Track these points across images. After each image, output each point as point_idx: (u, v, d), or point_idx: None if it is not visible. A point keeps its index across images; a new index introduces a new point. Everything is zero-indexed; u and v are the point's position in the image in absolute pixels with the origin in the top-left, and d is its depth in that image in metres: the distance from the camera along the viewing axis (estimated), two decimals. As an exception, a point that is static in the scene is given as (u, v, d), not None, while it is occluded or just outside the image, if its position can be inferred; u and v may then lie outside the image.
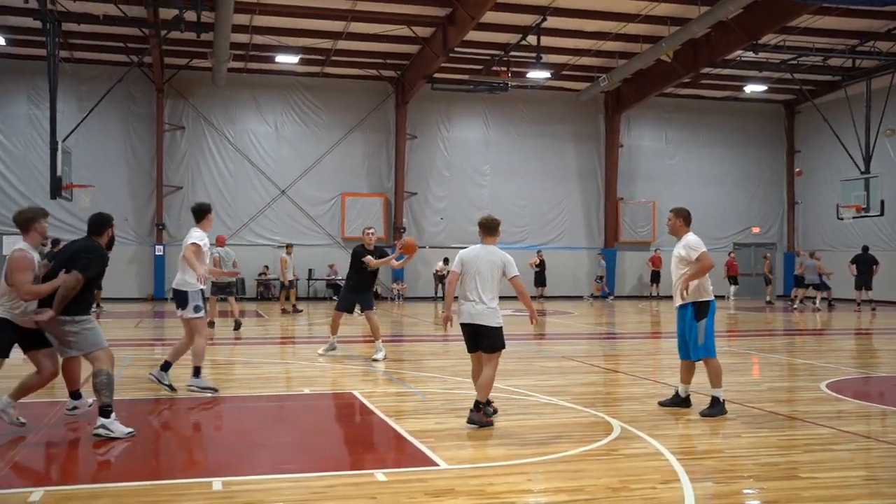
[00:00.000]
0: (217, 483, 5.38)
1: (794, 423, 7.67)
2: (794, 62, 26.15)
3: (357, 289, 12.34)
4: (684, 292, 7.83)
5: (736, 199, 33.17)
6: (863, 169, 25.96)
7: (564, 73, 28.75)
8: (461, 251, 7.68)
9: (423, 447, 6.47)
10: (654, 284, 31.26)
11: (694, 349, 7.91)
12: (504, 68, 26.37)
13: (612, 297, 30.56)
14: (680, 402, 8.18)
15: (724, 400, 7.83)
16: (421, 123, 30.15)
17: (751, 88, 30.36)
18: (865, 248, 25.34)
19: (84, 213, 25.30)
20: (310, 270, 28.72)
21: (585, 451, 6.39)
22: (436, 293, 29.22)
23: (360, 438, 7.15)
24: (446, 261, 29.09)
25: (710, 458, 6.18)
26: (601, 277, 30.68)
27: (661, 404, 8.24)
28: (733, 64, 26.78)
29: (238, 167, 28.72)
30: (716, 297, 8.14)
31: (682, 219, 8.14)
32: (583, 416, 7.90)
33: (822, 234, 31.94)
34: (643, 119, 32.32)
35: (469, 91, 28.19)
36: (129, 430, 6.77)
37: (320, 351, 12.65)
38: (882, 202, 24.76)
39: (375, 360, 11.85)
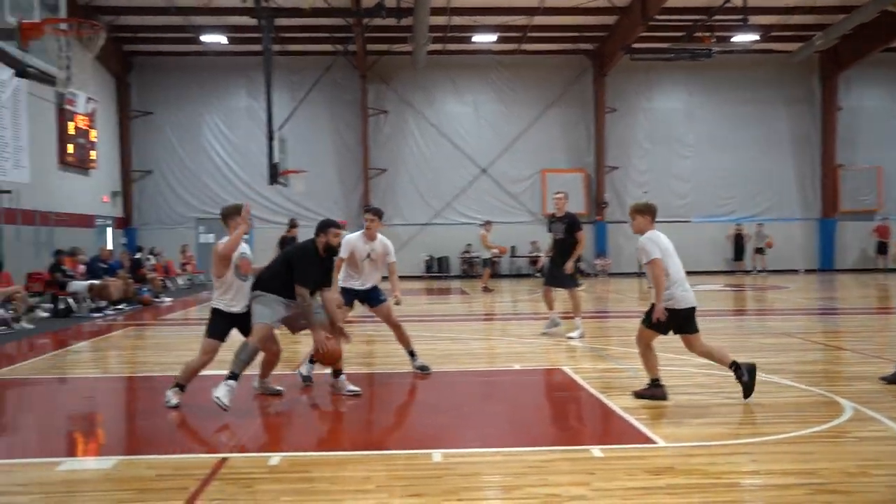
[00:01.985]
0: (437, 455, 5.56)
1: None
2: None
3: (558, 262, 11.91)
4: None
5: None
6: None
7: (773, 34, 27.01)
8: (651, 238, 7.38)
9: (638, 424, 6.37)
10: (882, 256, 28.94)
11: None
12: (707, 33, 25.18)
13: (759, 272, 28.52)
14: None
15: None
16: (620, 95, 29.47)
17: None
18: None
19: (299, 197, 26.96)
20: (512, 248, 28.95)
21: (814, 433, 6.03)
22: (639, 269, 28.57)
23: (573, 414, 7.14)
24: (650, 235, 28.37)
25: (960, 444, 5.65)
26: (761, 249, 28.84)
27: (885, 379, 7.61)
28: (972, 10, 24.03)
29: (439, 148, 29.36)
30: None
31: None
32: (807, 395, 7.46)
33: None
34: (865, 78, 29.79)
35: (670, 60, 27.12)
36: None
37: (543, 329, 12.29)
38: None
39: (570, 338, 11.62)
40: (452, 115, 29.51)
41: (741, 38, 25.65)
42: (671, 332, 7.23)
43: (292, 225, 17.88)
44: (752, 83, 29.48)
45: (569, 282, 11.83)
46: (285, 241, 16.38)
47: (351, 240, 8.77)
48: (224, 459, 5.51)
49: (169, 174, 28.70)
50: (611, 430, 6.58)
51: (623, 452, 5.62)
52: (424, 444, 5.90)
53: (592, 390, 7.80)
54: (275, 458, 5.55)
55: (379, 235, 8.91)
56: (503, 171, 29.30)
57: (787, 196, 30.00)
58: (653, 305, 7.17)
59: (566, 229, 11.60)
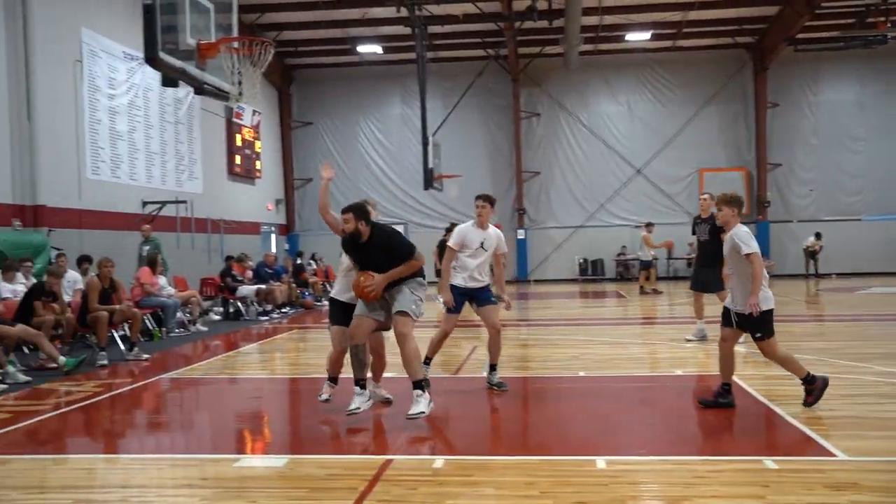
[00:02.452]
0: (601, 461, 5.46)
1: None
2: None
3: (704, 266, 11.29)
4: None
5: None
6: None
7: (958, 15, 25.01)
8: (747, 231, 7.07)
9: (814, 435, 6.03)
10: None
11: None
12: (882, 18, 23.60)
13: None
14: None
15: None
16: (782, 89, 28.11)
17: None
18: None
19: (453, 201, 27.31)
20: (669, 250, 28.17)
21: None
22: (806, 270, 27.16)
23: (742, 423, 6.83)
24: (818, 235, 26.91)
25: None
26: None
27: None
28: None
29: (592, 149, 29.00)
30: None
31: None
32: None
33: None
34: None
35: (839, 49, 25.63)
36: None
37: (689, 336, 11.83)
38: None
39: (688, 340, 11.26)
40: (606, 115, 29.07)
41: (920, 21, 23.85)
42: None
43: (450, 229, 18.17)
44: (934, 69, 27.42)
45: (716, 285, 11.10)
46: (444, 245, 16.71)
47: (462, 229, 8.35)
48: (389, 461, 5.63)
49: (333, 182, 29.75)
50: (783, 440, 6.25)
51: (799, 465, 5.32)
52: (587, 451, 5.81)
53: (760, 398, 7.46)
54: (438, 461, 5.61)
55: (491, 226, 8.43)
56: (659, 171, 28.59)
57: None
58: (760, 317, 6.70)
59: (711, 231, 11.11)
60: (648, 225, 22.74)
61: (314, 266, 24.12)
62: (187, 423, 7.62)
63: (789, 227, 28.18)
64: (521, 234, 28.77)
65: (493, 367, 8.32)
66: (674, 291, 22.79)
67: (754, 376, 8.72)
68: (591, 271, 29.08)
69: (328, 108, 29.81)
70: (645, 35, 26.02)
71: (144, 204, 18.35)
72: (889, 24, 23.73)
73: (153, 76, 18.49)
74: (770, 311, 6.90)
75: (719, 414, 7.20)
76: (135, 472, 5.61)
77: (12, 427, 6.88)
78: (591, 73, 28.81)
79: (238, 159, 24.24)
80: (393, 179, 29.52)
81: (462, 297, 8.21)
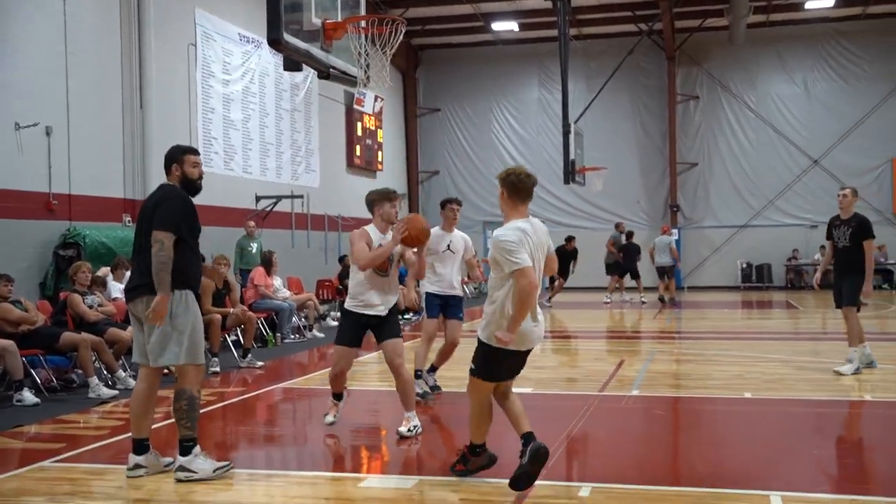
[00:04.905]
0: (776, 497, 5.27)
1: None
2: None
3: (843, 276, 10.38)
4: None
5: None
6: None
7: None
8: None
9: None
10: None
11: None
12: None
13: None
14: None
15: None
16: None
17: None
18: None
19: (595, 196, 27.08)
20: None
21: None
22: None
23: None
24: None
25: None
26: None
27: None
28: None
29: (760, 137, 28.09)
30: None
31: None
32: None
33: None
34: None
35: None
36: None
37: (839, 369, 10.29)
38: None
39: (837, 373, 10.12)
40: (777, 97, 28.11)
41: None
42: None
43: (569, 239, 21.37)
44: None
45: (849, 299, 10.24)
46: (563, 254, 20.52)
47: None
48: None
49: (456, 174, 30.11)
50: None
51: None
52: (759, 484, 5.62)
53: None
54: (585, 489, 5.56)
55: (456, 230, 9.31)
56: (841, 161, 27.35)
57: None
58: None
59: (852, 235, 10.19)
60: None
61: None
62: (302, 436, 7.85)
63: None
64: (674, 235, 28.20)
65: (433, 369, 9.37)
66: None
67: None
68: (755, 278, 28.16)
69: (457, 93, 30.10)
70: (828, 1, 24.99)
71: (258, 199, 19.04)
72: None
73: (269, 60, 19.22)
74: None
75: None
76: (243, 489, 5.81)
77: (122, 436, 7.25)
78: (760, 48, 27.89)
79: (358, 150, 24.81)
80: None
81: (438, 304, 9.16)
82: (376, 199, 7.48)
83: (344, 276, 18.13)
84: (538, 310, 5.48)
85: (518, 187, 5.55)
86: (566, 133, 21.62)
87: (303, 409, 9.20)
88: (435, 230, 8.87)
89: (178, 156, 6.20)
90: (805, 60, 27.94)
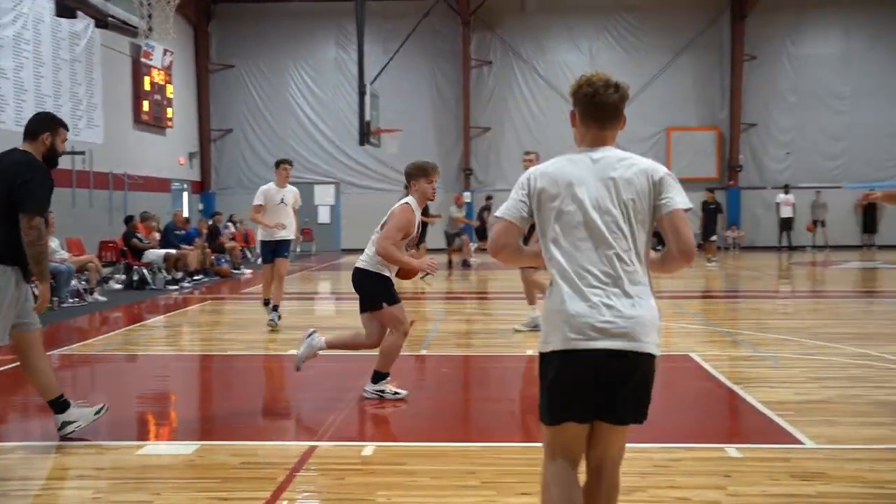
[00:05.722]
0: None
1: None
2: None
3: None
4: None
5: None
6: None
7: (951, -37, 25.64)
8: None
9: (781, 421, 6.19)
10: None
11: None
12: (869, -35, 24.08)
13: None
14: None
15: None
16: (761, 41, 28.48)
17: None
18: None
19: (391, 158, 27.21)
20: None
21: None
22: (780, 242, 27.77)
23: (704, 408, 6.99)
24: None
25: None
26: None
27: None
28: None
29: (550, 103, 29.03)
30: None
31: None
32: None
33: None
34: None
35: (824, -4, 26.12)
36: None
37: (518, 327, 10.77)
38: None
39: (517, 331, 10.56)
40: (566, 65, 29.12)
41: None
42: None
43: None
44: (925, 22, 28.00)
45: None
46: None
47: (265, 188, 11.37)
48: (313, 448, 5.63)
49: (250, 133, 29.41)
50: (748, 426, 6.42)
51: (764, 453, 5.47)
52: (536, 436, 5.88)
53: (725, 381, 7.64)
54: (368, 448, 5.63)
55: (288, 185, 11.44)
56: (623, 129, 28.70)
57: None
58: None
59: None
60: None
61: (232, 229, 23.87)
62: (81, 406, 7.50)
63: (763, 195, 28.71)
64: (467, 197, 28.83)
65: (275, 308, 11.13)
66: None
67: (719, 357, 8.91)
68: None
69: (252, 50, 29.32)
70: (611, -25, 26.12)
71: (35, 154, 17.83)
72: (878, -28, 24.20)
73: (44, 5, 17.97)
74: None
75: (682, 398, 7.35)
76: (16, 463, 5.51)
77: None
78: (550, 16, 28.82)
79: (146, 106, 23.72)
80: (325, 133, 29.27)
81: (270, 250, 11.25)
82: (413, 174, 7.00)
83: (130, 236, 17.39)
84: (596, 286, 3.28)
85: (591, 104, 3.45)
86: (361, 94, 21.56)
87: (83, 377, 8.78)
88: (270, 186, 11.34)
89: (53, 126, 5.83)
90: (591, 31, 29.11)
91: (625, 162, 3.39)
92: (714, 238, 23.26)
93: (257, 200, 11.20)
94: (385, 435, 6.33)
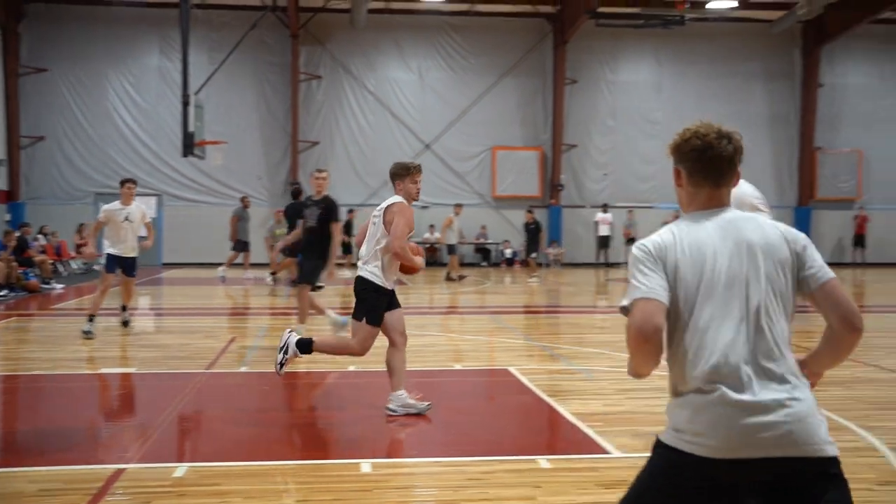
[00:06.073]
0: (366, 465, 5.54)
1: None
2: None
3: (310, 255, 10.69)
4: None
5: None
6: None
7: (753, 0, 27.49)
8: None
9: (590, 432, 6.44)
10: (859, 249, 29.79)
11: None
12: (681, -1, 25.53)
13: None
14: None
15: None
16: (582, 65, 29.69)
17: None
18: None
19: (216, 171, 26.60)
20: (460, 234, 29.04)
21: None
22: (597, 259, 28.89)
23: (519, 420, 7.18)
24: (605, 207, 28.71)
25: (937, 457, 5.83)
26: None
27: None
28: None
29: (379, 119, 29.22)
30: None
31: None
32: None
33: None
34: (850, 52, 30.48)
35: (639, 27, 27.48)
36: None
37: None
38: None
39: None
40: (395, 82, 29.40)
41: (717, 4, 26.06)
42: None
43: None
44: (728, 55, 29.95)
45: (309, 277, 10.68)
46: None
47: (107, 206, 11.79)
48: (120, 471, 5.41)
49: (65, 141, 28.04)
50: (560, 438, 6.66)
51: (573, 463, 5.67)
52: (353, 453, 5.88)
53: (541, 394, 7.87)
54: (180, 469, 5.47)
55: (133, 202, 11.79)
56: (450, 147, 29.31)
57: (763, 181, 30.47)
58: None
59: (320, 216, 10.45)
60: (457, 206, 23.38)
61: (42, 241, 22.68)
62: None
63: (582, 214, 29.84)
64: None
65: (123, 308, 12.01)
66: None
67: (536, 371, 9.17)
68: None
69: (69, 54, 27.99)
70: (439, -4, 26.58)
71: None
72: (688, 5, 25.70)
73: None
74: None
75: (498, 412, 7.52)
76: None
77: None
78: (380, 33, 28.98)
79: (-51, 109, 22.26)
80: (147, 143, 28.27)
81: (116, 263, 11.56)
82: (399, 174, 7.27)
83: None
84: (755, 381, 2.67)
85: (702, 158, 2.97)
86: (185, 104, 21.01)
87: None
88: (115, 205, 11.69)
89: None
90: (420, 49, 29.50)
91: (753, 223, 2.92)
92: (535, 255, 23.97)
93: (100, 216, 11.75)
94: (199, 455, 6.16)
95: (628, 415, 7.03)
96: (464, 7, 28.56)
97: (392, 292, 7.06)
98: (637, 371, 2.79)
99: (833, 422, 6.77)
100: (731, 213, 2.93)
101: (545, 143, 29.76)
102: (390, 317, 7.04)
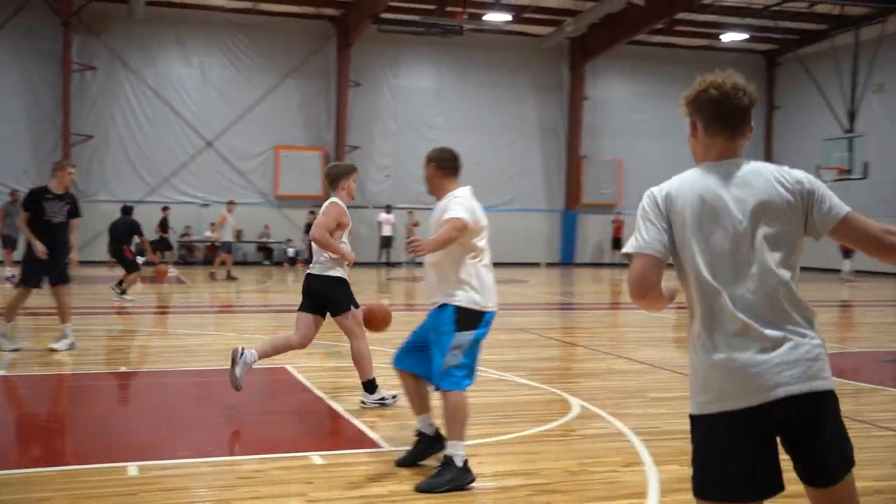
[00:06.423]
0: (132, 468, 5.34)
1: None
2: (778, 8, 26.40)
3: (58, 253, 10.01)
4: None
5: (711, 158, 33.42)
6: (847, 127, 26.42)
7: (526, 15, 28.67)
8: None
9: (363, 427, 6.52)
10: (617, 251, 31.65)
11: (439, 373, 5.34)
12: (460, 9, 26.20)
13: None
14: (427, 447, 5.59)
15: (465, 461, 5.21)
16: (365, 69, 29.86)
17: (730, 37, 30.54)
18: None
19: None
20: (238, 232, 28.42)
21: (542, 432, 6.49)
22: (379, 258, 29.16)
23: (294, 418, 7.15)
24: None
25: (676, 440, 6.27)
26: None
27: (401, 463, 5.55)
28: (711, 9, 26.97)
29: (158, 115, 28.12)
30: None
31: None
32: (539, 393, 8.01)
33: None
34: (611, 69, 32.43)
35: (420, 34, 27.98)
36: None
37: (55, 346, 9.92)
38: (865, 164, 25.15)
39: (53, 350, 9.76)
40: (176, 78, 28.44)
41: (494, 16, 26.94)
42: None
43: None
44: (503, 66, 31.06)
45: (61, 275, 10.02)
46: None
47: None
48: None
49: None
50: (334, 434, 6.69)
51: (346, 458, 5.72)
52: (120, 457, 5.64)
53: (318, 391, 7.87)
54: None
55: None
56: (233, 145, 28.67)
57: (534, 186, 31.96)
58: None
59: (69, 212, 9.97)
60: (230, 203, 22.84)
61: None
62: None
63: (363, 213, 29.97)
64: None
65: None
66: (242, 278, 23.04)
67: (314, 368, 9.17)
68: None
69: None
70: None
71: None
72: (466, 16, 26.42)
73: None
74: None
75: (274, 410, 7.46)
76: None
77: None
78: (162, 27, 27.88)
79: None
80: None
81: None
82: (341, 174, 7.46)
83: None
84: (765, 328, 2.76)
85: (719, 109, 2.93)
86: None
87: None
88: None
89: None
90: (202, 45, 28.66)
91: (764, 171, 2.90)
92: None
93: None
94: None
95: (399, 409, 7.16)
96: (247, 5, 28.02)
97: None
98: (648, 312, 2.87)
99: (586, 410, 7.21)
100: (744, 165, 2.91)
101: (328, 143, 29.71)
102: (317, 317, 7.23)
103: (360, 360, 7.24)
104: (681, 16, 27.50)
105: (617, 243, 31.50)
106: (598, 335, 13.23)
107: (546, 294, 20.88)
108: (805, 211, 2.85)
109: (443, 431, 5.37)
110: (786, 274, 2.80)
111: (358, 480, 5.22)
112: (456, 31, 27.35)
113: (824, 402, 2.75)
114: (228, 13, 28.48)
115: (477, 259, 5.35)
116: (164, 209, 25.29)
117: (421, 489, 5.05)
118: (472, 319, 5.25)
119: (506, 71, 31.17)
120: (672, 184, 2.92)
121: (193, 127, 28.35)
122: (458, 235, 5.22)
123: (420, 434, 5.60)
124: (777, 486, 2.76)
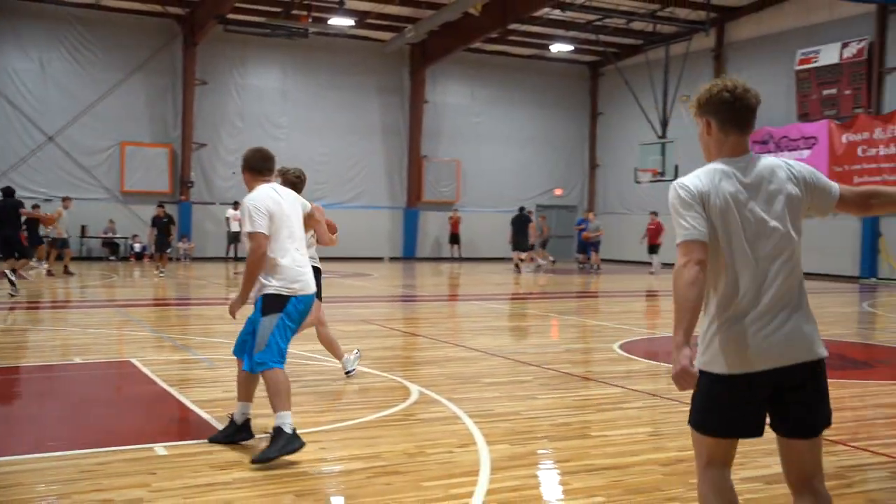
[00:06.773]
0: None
1: (588, 383, 8.20)
2: (599, 23, 27.46)
3: None
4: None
5: (541, 160, 34.45)
6: (660, 133, 27.76)
7: (369, 21, 28.63)
8: None
9: (209, 418, 6.37)
10: (455, 245, 32.07)
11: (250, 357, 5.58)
12: (304, 13, 25.89)
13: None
14: (235, 432, 5.69)
15: (293, 429, 5.33)
16: (212, 68, 29.05)
17: (557, 48, 31.50)
18: (521, 209, 26.90)
19: None
20: (83, 227, 27.13)
21: (382, 417, 6.52)
22: (227, 253, 28.50)
23: (139, 410, 6.90)
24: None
25: (506, 421, 6.47)
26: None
27: (212, 440, 5.69)
28: (540, 21, 27.70)
29: (-6, 109, 26.48)
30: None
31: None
32: (381, 381, 8.04)
33: (621, 197, 33.85)
34: (449, 75, 32.84)
35: (266, 35, 27.47)
36: None
37: None
38: (676, 167, 26.49)
39: None
40: (13, 71, 26.80)
41: (338, 21, 26.77)
42: None
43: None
44: (347, 69, 30.90)
45: None
46: None
47: None
48: None
49: None
50: (180, 425, 6.49)
51: (190, 449, 5.56)
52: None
53: (163, 384, 7.63)
54: None
55: None
56: (76, 140, 27.29)
57: (378, 185, 32.00)
58: None
59: None
60: (65, 199, 21.81)
61: None
62: None
63: (212, 210, 29.24)
64: None
65: None
66: (87, 273, 22.04)
67: (160, 361, 8.88)
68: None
69: None
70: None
71: None
72: (311, 19, 26.13)
73: None
74: None
75: (118, 403, 7.19)
76: None
77: None
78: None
79: None
80: None
81: None
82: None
83: None
84: (776, 309, 3.10)
85: (732, 109, 3.18)
86: None
87: None
88: None
89: None
90: (41, 39, 27.08)
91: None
92: (169, 250, 23.14)
93: None
94: None
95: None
96: (90, 0, 26.71)
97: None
98: (691, 302, 3.03)
99: (425, 395, 7.30)
100: (760, 160, 3.18)
101: (175, 140, 28.74)
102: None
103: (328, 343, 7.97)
104: (513, 26, 28.13)
105: (455, 238, 31.89)
106: (437, 325, 13.38)
107: (389, 287, 20.95)
108: (808, 194, 3.20)
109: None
110: (800, 260, 3.17)
111: (202, 469, 5.09)
112: (301, 34, 27.01)
113: (819, 369, 3.14)
114: (69, 7, 27.06)
115: (282, 245, 5.61)
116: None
117: (256, 461, 5.17)
118: (276, 304, 5.47)
119: (350, 74, 31.05)
120: (700, 177, 3.14)
121: (33, 121, 26.81)
122: (259, 257, 5.50)
123: (231, 418, 5.73)
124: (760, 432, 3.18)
